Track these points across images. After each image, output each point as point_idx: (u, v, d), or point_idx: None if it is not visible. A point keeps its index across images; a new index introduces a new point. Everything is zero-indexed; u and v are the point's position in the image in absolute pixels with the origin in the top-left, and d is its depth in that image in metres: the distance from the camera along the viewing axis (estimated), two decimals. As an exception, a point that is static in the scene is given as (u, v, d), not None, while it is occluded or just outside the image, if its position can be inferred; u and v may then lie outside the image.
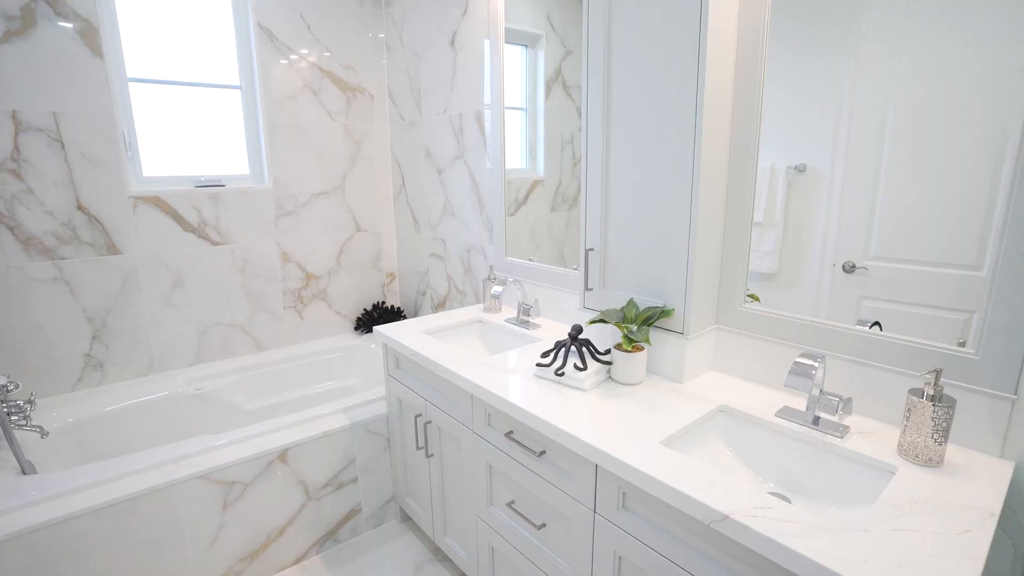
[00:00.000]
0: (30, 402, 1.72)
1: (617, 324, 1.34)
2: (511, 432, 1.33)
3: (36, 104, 1.87)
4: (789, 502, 1.07)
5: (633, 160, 1.37)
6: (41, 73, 1.87)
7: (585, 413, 1.19)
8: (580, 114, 1.48)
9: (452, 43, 2.21)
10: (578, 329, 1.42)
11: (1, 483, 1.49)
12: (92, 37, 1.93)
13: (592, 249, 1.52)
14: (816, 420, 1.12)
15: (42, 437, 1.74)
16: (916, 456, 0.98)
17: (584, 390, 1.31)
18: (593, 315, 1.52)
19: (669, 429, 1.12)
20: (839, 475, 1.05)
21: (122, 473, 1.51)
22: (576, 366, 1.34)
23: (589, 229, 1.52)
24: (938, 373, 0.96)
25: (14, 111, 1.84)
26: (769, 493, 1.08)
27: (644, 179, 1.35)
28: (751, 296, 1.35)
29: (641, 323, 1.33)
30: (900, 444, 1.01)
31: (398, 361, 1.81)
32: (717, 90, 1.21)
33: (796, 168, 1.24)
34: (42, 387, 2.00)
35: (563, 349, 1.40)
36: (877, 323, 1.17)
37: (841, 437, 1.07)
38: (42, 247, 1.94)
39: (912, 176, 1.06)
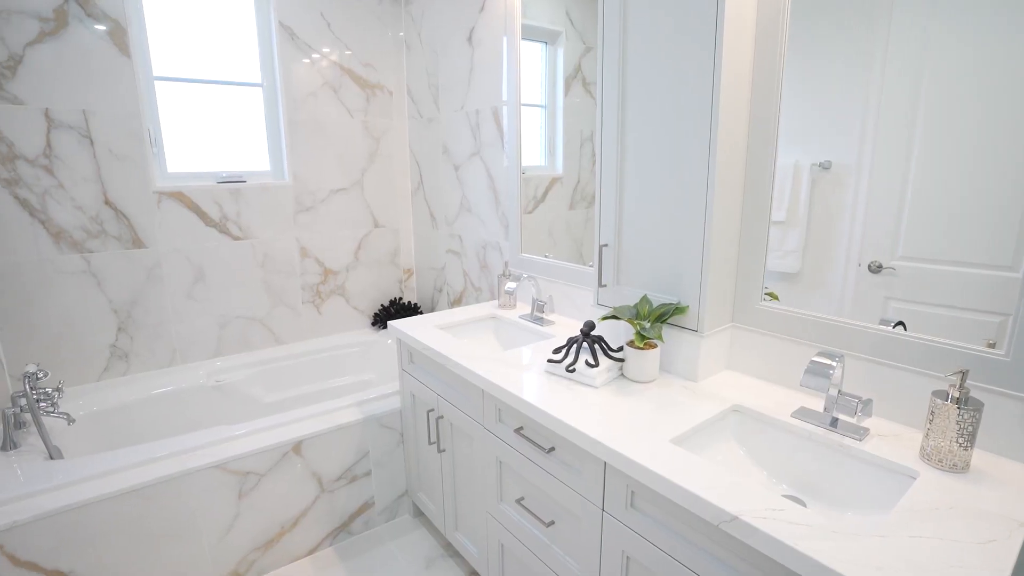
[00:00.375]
0: (58, 390, 1.78)
1: (630, 320, 1.32)
2: (521, 428, 1.32)
3: (67, 102, 1.93)
4: (804, 505, 1.03)
5: (648, 155, 1.34)
6: (72, 72, 1.93)
7: (595, 410, 1.18)
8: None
9: (469, 39, 2.20)
10: (590, 325, 1.40)
11: (30, 467, 1.55)
12: (120, 37, 1.99)
13: (606, 245, 1.51)
14: (834, 422, 1.09)
15: (68, 424, 1.79)
16: (940, 461, 0.94)
17: (595, 387, 1.30)
18: (606, 312, 1.50)
19: (680, 428, 1.10)
20: (857, 479, 1.01)
21: (141, 461, 1.55)
22: (588, 363, 1.33)
23: (603, 224, 1.50)
24: (964, 375, 0.92)
25: (46, 109, 1.90)
26: (783, 496, 1.05)
27: (659, 174, 1.33)
28: (770, 295, 1.31)
29: (654, 320, 1.30)
30: (923, 448, 0.97)
31: (412, 356, 1.82)
32: (734, 84, 1.18)
33: (821, 165, 1.20)
34: (71, 376, 2.07)
35: (575, 345, 1.38)
36: (901, 323, 1.12)
37: (860, 439, 1.03)
38: (71, 241, 2.00)
39: (944, 173, 1.01)
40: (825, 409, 1.10)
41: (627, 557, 1.08)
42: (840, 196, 1.17)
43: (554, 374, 1.38)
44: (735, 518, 0.82)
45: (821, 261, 1.22)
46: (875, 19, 1.07)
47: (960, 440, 0.92)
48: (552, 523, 1.27)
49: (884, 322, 1.13)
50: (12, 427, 1.67)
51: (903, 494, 0.90)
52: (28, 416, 1.76)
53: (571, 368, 1.33)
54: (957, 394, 0.93)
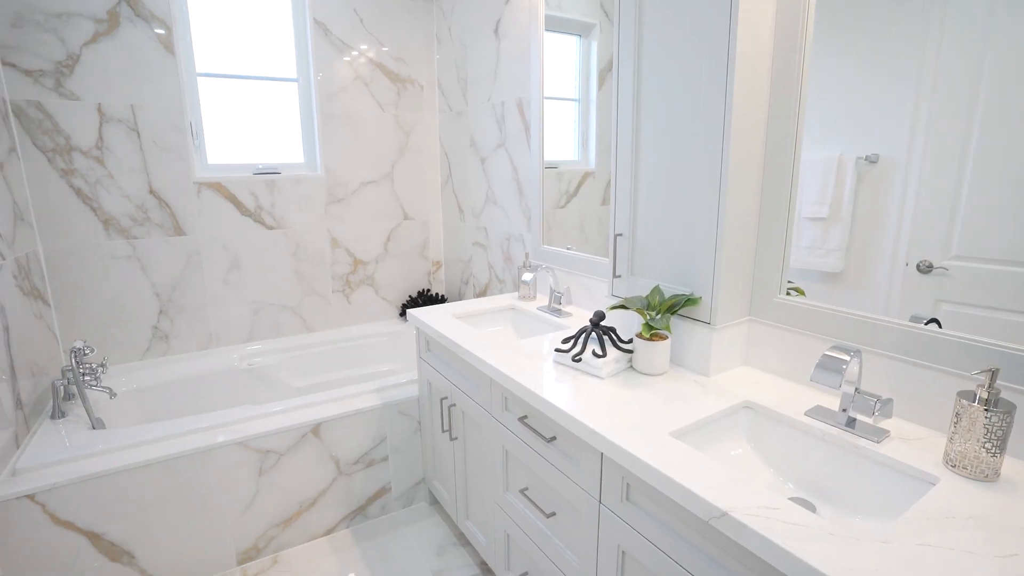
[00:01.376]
0: (102, 366, 1.90)
1: (639, 311, 1.28)
2: (525, 417, 1.31)
3: (118, 97, 2.06)
4: (814, 508, 0.97)
5: (662, 142, 1.30)
6: (123, 69, 2.05)
7: (598, 400, 1.15)
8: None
9: (496, 31, 2.20)
10: (600, 315, 1.37)
11: (75, 435, 1.66)
12: (166, 36, 2.10)
13: (621, 234, 1.47)
14: (851, 422, 1.02)
15: (111, 398, 1.92)
16: (964, 467, 0.86)
17: (601, 378, 1.27)
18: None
19: (684, 421, 1.05)
20: (872, 483, 0.94)
21: (169, 435, 1.63)
22: (595, 353, 1.30)
23: (618, 213, 1.46)
24: (993, 373, 0.84)
25: (99, 104, 2.04)
26: (790, 497, 1.00)
27: (673, 162, 1.28)
28: (796, 290, 1.24)
29: (665, 311, 1.26)
30: (946, 453, 0.89)
31: (428, 344, 1.83)
32: (750, 72, 1.13)
33: (867, 159, 1.11)
34: (117, 354, 2.21)
35: (583, 335, 1.36)
36: (935, 320, 1.04)
37: (878, 441, 0.96)
38: (119, 227, 2.13)
39: (1007, 166, 0.91)
40: (841, 408, 1.03)
41: (623, 552, 1.04)
42: (887, 191, 1.08)
43: (561, 364, 1.36)
44: (725, 514, 0.78)
45: (866, 260, 1.13)
46: (929, 2, 0.98)
47: (988, 445, 0.84)
48: (553, 514, 1.25)
49: (915, 319, 1.05)
50: (61, 398, 1.80)
51: (917, 500, 0.83)
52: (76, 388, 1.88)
53: (577, 358, 1.31)
54: (985, 395, 0.85)
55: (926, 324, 1.03)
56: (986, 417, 0.84)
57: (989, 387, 0.84)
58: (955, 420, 0.88)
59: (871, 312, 1.10)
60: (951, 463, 0.88)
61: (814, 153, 1.17)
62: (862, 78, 1.08)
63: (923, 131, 1.01)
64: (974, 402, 0.86)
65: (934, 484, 0.86)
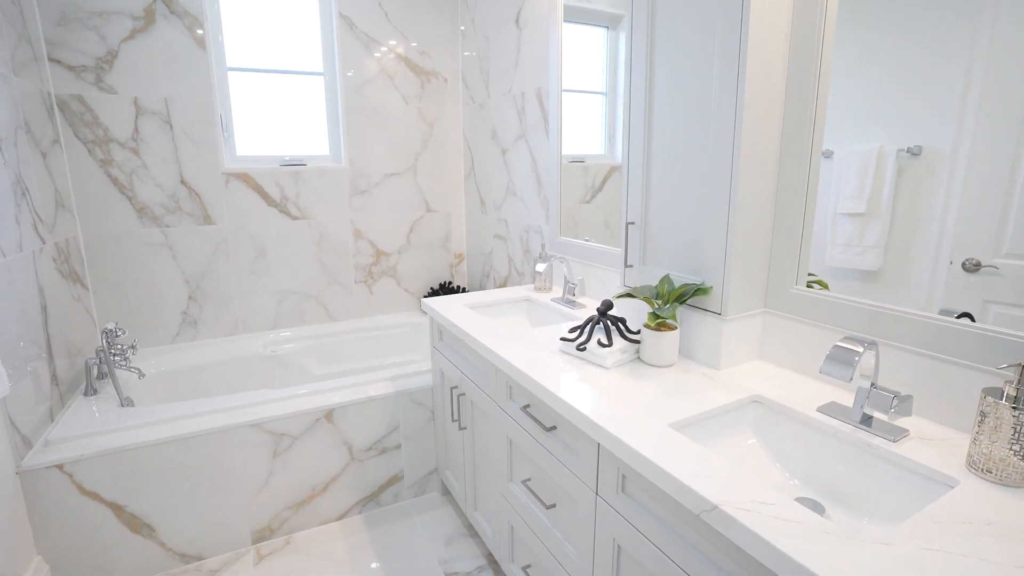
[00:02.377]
0: (132, 347, 1.99)
1: (646, 299, 1.24)
2: (527, 406, 1.29)
3: (152, 91, 2.15)
4: (822, 508, 0.91)
5: (675, 128, 1.25)
6: (157, 64, 2.14)
7: (599, 390, 1.12)
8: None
9: (517, 21, 2.18)
10: (607, 304, 1.33)
11: (105, 411, 1.75)
12: (199, 32, 2.18)
13: (632, 223, 1.43)
14: (867, 419, 0.95)
15: (140, 378, 2.00)
16: (989, 471, 0.79)
17: (606, 368, 1.23)
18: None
19: (686, 413, 1.01)
20: (885, 484, 0.88)
21: (188, 414, 1.69)
22: (600, 342, 1.26)
23: (630, 202, 1.42)
24: (1023, 368, 0.77)
25: (135, 98, 2.13)
26: (796, 497, 0.94)
27: (686, 148, 1.23)
28: (819, 283, 1.17)
29: (673, 300, 1.21)
30: (970, 455, 0.82)
31: (441, 334, 1.83)
32: (764, 57, 1.08)
33: (909, 151, 1.03)
34: (149, 338, 2.30)
35: (590, 324, 1.32)
36: (967, 314, 0.96)
37: (894, 440, 0.90)
38: (152, 216, 2.23)
39: None
40: (855, 404, 0.96)
41: (618, 546, 1.01)
42: (931, 185, 1.00)
43: (567, 353, 1.33)
44: (715, 507, 0.74)
45: (907, 258, 1.05)
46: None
47: (1015, 447, 0.77)
48: (553, 506, 1.23)
49: (945, 312, 0.97)
50: (94, 376, 1.89)
51: (930, 503, 0.77)
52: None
53: (582, 347, 1.28)
54: (1014, 392, 0.77)
55: (957, 318, 0.95)
56: (1014, 416, 0.77)
57: (1018, 383, 0.77)
58: (980, 419, 0.81)
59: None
60: (974, 466, 0.81)
61: (851, 145, 1.10)
62: (904, 64, 1.00)
63: (972, 120, 0.93)
64: (1001, 399, 0.78)
65: (953, 487, 0.79)
